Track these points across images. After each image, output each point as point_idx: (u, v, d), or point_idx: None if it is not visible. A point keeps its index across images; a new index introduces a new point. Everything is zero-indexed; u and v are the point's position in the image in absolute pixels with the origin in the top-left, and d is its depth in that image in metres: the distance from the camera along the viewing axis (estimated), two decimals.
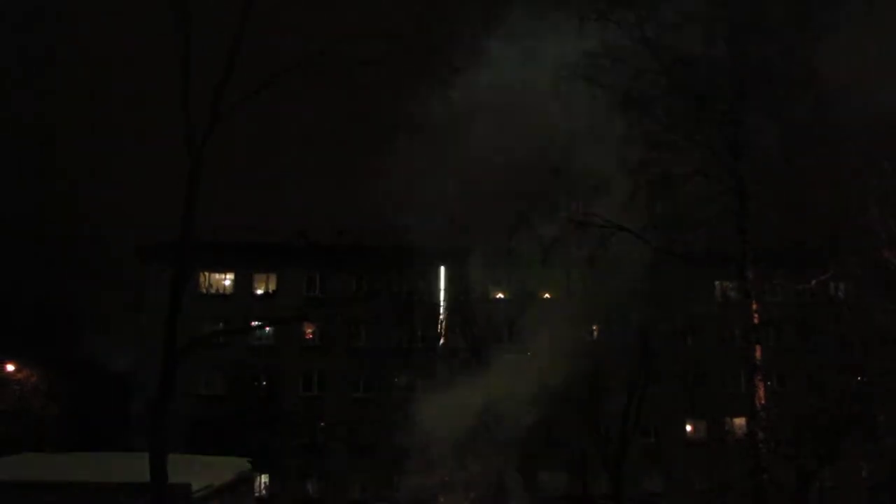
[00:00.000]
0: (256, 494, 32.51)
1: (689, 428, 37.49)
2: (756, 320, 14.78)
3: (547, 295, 21.09)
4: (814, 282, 23.12)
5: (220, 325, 35.29)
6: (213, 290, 38.62)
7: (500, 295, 36.28)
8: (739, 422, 26.68)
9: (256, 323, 34.59)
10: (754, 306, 14.78)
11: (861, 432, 25.92)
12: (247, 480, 23.27)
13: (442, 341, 30.41)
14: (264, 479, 35.40)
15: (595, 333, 24.20)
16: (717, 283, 18.75)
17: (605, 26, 15.10)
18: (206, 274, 38.11)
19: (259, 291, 39.26)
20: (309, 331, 38.26)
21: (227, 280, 39.22)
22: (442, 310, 29.99)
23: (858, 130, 14.44)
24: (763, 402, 14.51)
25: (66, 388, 41.14)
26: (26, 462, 20.16)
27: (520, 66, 17.33)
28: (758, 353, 14.65)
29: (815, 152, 14.55)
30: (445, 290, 30.44)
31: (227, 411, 36.02)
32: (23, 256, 38.94)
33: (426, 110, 15.62)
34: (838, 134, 14.61)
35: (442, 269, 29.31)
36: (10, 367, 41.69)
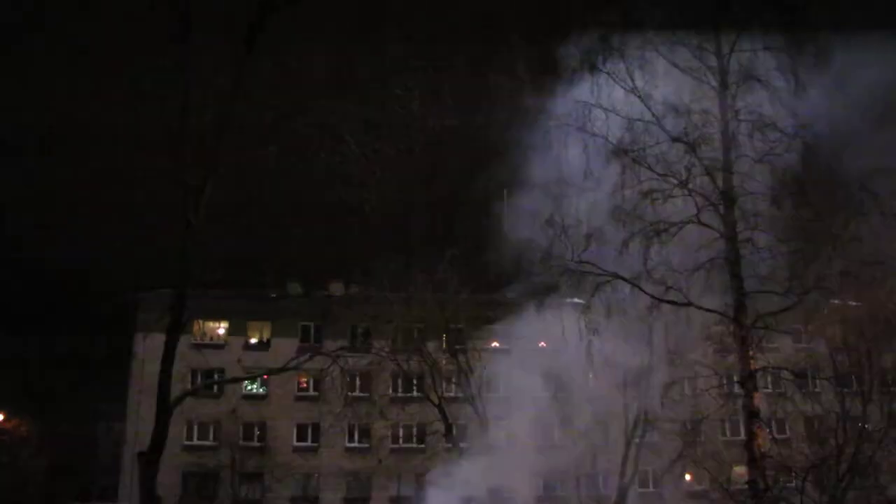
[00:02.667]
0: None
1: (688, 477, 36.91)
2: (753, 366, 14.66)
3: (542, 344, 20.91)
4: (810, 326, 23.05)
5: (214, 374, 35.01)
6: (206, 339, 38.37)
7: (496, 344, 36.10)
8: (740, 470, 26.26)
9: (251, 372, 34.29)
10: (751, 352, 14.69)
11: (865, 480, 25.56)
12: None
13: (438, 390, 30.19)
14: None
15: (591, 382, 24.03)
16: (712, 329, 18.64)
17: (596, 76, 15.38)
18: (200, 322, 37.90)
19: (253, 340, 39.02)
20: (303, 380, 37.91)
21: (221, 329, 39.02)
22: (437, 358, 29.82)
23: (849, 175, 14.57)
24: (763, 450, 14.28)
25: (55, 440, 40.54)
26: None
27: (514, 115, 17.56)
28: (756, 400, 14.48)
29: (806, 198, 14.64)
30: (441, 339, 30.31)
31: (219, 462, 35.53)
32: (12, 304, 38.75)
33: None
34: (829, 179, 14.74)
35: (436, 317, 29.19)
36: None
